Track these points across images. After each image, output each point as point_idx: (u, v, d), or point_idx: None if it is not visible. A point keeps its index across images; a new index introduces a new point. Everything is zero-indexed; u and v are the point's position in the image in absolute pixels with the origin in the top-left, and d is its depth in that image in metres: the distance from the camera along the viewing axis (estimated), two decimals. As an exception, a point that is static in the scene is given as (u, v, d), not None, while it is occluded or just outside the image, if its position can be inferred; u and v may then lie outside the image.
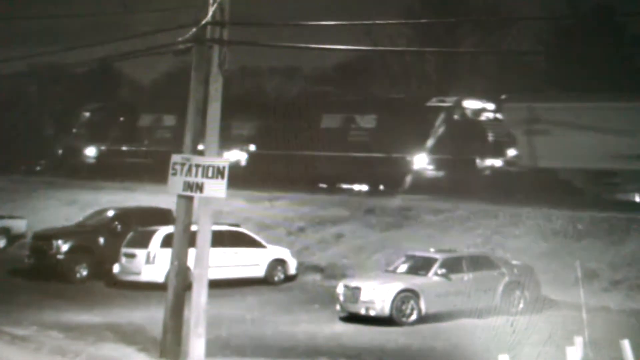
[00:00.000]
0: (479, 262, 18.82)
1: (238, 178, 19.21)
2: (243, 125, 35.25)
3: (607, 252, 20.43)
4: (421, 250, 19.87)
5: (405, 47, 46.09)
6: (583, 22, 41.72)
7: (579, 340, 11.75)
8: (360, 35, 42.97)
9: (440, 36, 44.94)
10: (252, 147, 35.35)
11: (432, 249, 19.46)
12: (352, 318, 17.11)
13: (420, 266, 18.45)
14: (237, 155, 33.54)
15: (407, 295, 17.37)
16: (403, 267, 18.77)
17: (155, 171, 25.86)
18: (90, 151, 40.51)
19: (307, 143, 32.19)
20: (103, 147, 40.82)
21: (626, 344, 11.87)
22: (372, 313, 16.94)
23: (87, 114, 41.84)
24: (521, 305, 18.14)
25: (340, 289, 17.60)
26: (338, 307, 17.56)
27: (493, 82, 42.00)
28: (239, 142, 34.96)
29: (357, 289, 17.54)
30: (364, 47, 39.34)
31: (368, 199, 26.96)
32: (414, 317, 16.97)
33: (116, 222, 23.26)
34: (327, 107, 35.05)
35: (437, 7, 46.11)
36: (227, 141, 24.31)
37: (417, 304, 17.29)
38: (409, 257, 19.21)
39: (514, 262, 19.71)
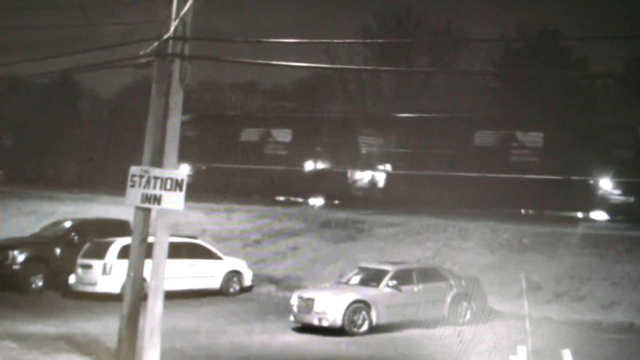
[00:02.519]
0: (428, 274, 19.05)
1: (196, 190, 19.28)
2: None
3: (550, 265, 20.84)
4: (373, 262, 20.03)
5: (362, 66, 46.74)
6: (531, 45, 42.82)
7: (522, 349, 11.99)
8: (319, 53, 43.53)
9: (395, 56, 45.57)
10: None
11: (382, 262, 19.65)
12: (306, 329, 17.09)
13: (372, 278, 18.63)
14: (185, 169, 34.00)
15: (359, 306, 17.51)
16: (356, 279, 18.93)
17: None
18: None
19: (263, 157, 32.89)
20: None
21: (567, 353, 12.14)
22: (325, 323, 16.98)
23: None
24: (468, 316, 18.48)
25: (294, 300, 17.63)
26: (292, 318, 17.56)
27: (444, 101, 42.67)
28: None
29: (311, 300, 17.65)
30: (321, 65, 39.72)
31: (323, 212, 27.12)
32: (365, 327, 17.08)
33: (73, 233, 22.95)
34: (281, 121, 35.85)
35: (393, 28, 46.82)
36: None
37: (369, 314, 17.46)
38: (362, 269, 19.34)
39: (462, 274, 20.01)
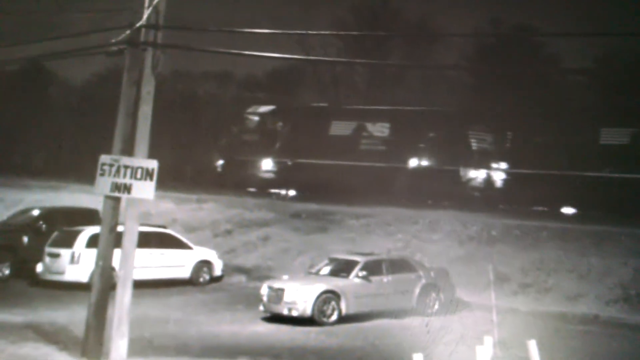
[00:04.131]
0: (398, 265, 19.23)
1: (168, 180, 19.14)
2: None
3: (518, 257, 21.11)
4: (343, 253, 20.14)
5: (336, 58, 46.78)
6: (504, 40, 43.23)
7: (488, 339, 12.12)
8: (293, 44, 43.49)
9: (369, 49, 45.71)
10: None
11: (353, 252, 19.76)
12: (275, 318, 17.17)
13: (342, 269, 18.76)
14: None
15: (329, 296, 17.61)
16: (326, 270, 19.04)
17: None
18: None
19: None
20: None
21: (533, 344, 12.30)
22: (294, 313, 17.12)
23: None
24: (436, 307, 18.72)
25: (264, 290, 17.67)
26: (262, 308, 17.62)
27: (417, 94, 42.91)
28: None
29: (281, 290, 17.72)
30: (295, 56, 39.58)
31: (295, 203, 27.15)
32: (334, 317, 17.22)
33: (41, 222, 22.79)
34: (375, 114, 33.85)
35: (368, 21, 46.99)
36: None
37: (338, 304, 17.58)
38: (332, 260, 19.45)
39: (431, 265, 20.23)
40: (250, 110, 34.95)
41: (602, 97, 36.32)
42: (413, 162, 29.97)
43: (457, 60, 44.38)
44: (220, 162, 34.15)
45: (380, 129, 31.54)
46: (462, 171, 29.42)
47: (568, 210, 27.59)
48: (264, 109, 35.27)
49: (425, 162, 30.01)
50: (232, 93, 47.48)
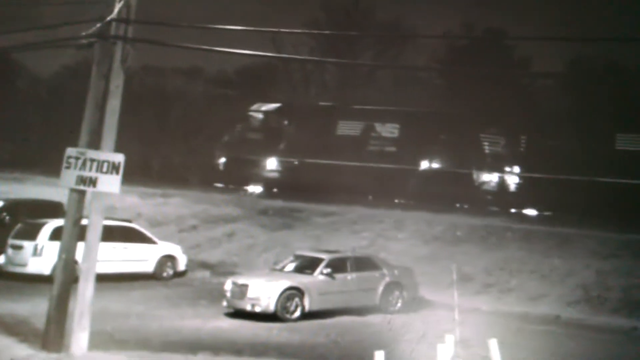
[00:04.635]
0: (362, 263, 19.32)
1: (134, 174, 18.97)
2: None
3: (482, 257, 21.33)
4: (308, 250, 20.19)
5: (307, 56, 46.88)
6: (475, 43, 43.55)
7: (450, 338, 12.21)
8: (265, 42, 43.44)
9: (341, 48, 45.81)
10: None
11: (318, 250, 19.82)
12: (238, 314, 17.14)
13: (306, 265, 18.80)
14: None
15: (293, 292, 17.62)
16: (290, 266, 19.08)
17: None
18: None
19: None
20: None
21: (494, 343, 12.40)
22: (257, 309, 17.12)
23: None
24: (399, 305, 18.89)
25: (228, 286, 17.65)
26: (225, 303, 17.59)
27: (387, 94, 43.09)
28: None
29: (245, 285, 17.68)
30: (266, 53, 39.46)
31: (262, 199, 27.16)
32: (297, 313, 17.27)
33: (4, 213, 22.50)
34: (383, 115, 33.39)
35: (340, 21, 47.08)
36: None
37: (302, 301, 17.60)
38: (297, 257, 19.48)
39: (395, 264, 20.35)
40: (254, 107, 34.90)
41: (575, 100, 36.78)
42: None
43: (428, 61, 44.70)
44: (223, 159, 33.80)
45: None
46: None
47: (532, 212, 27.95)
48: (267, 106, 35.23)
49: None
50: (202, 89, 47.33)
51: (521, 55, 45.41)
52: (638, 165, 27.28)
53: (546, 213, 27.60)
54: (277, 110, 34.52)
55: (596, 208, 24.99)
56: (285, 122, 33.78)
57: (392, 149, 31.13)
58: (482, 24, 45.25)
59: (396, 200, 27.42)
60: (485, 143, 30.57)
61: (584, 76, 36.69)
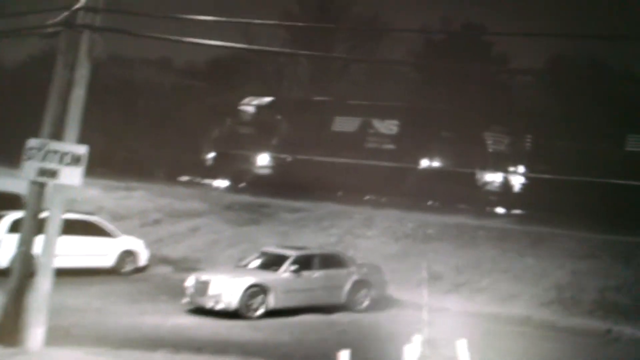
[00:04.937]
0: (329, 261, 19.28)
1: (97, 166, 18.84)
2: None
3: (453, 256, 21.36)
4: (275, 246, 20.09)
5: (280, 49, 46.71)
6: (453, 38, 43.68)
7: (417, 338, 12.19)
8: (237, 33, 43.23)
9: (315, 41, 45.75)
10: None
11: (284, 246, 19.75)
12: (200, 311, 16.93)
13: (272, 262, 18.70)
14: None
15: (257, 290, 17.50)
16: (255, 263, 18.97)
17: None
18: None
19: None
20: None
21: (462, 344, 12.40)
22: (219, 306, 17.01)
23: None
24: (366, 303, 18.94)
25: (189, 282, 17.49)
26: (186, 300, 17.36)
27: (362, 88, 43.13)
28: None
29: (207, 282, 17.53)
30: (238, 45, 39.20)
31: (228, 194, 27.03)
32: (261, 311, 17.27)
33: (-39, 206, 22.40)
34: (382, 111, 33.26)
35: (315, 13, 47.04)
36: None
37: (266, 298, 17.51)
38: (262, 253, 19.38)
39: (364, 261, 20.35)
40: (245, 101, 34.76)
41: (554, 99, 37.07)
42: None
43: (405, 56, 44.81)
44: (211, 154, 33.57)
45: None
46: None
47: (503, 210, 28.15)
48: (259, 100, 35.09)
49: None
50: (171, 80, 47.10)
51: (499, 51, 45.76)
52: (622, 164, 27.59)
53: (519, 212, 27.81)
54: (269, 104, 34.36)
55: (578, 208, 25.21)
56: (278, 117, 33.67)
57: (391, 146, 31.12)
58: (462, 19, 45.44)
59: (366, 197, 27.46)
60: (489, 141, 30.70)
61: (566, 75, 37.06)
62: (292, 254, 18.71)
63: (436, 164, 31.39)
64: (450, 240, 21.63)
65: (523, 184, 29.32)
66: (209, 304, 17.24)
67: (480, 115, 32.17)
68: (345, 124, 32.56)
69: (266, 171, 30.24)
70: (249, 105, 34.42)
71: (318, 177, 28.05)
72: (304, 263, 18.54)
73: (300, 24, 46.56)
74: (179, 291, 18.01)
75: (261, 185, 28.35)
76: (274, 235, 22.22)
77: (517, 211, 28.44)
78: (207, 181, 31.12)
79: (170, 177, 29.91)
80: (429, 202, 27.65)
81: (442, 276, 19.89)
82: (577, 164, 27.66)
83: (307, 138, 31.54)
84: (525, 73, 40.97)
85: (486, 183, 30.10)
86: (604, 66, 38.25)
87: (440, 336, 13.52)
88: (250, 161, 31.91)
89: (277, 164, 30.88)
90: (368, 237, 22.18)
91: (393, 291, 19.18)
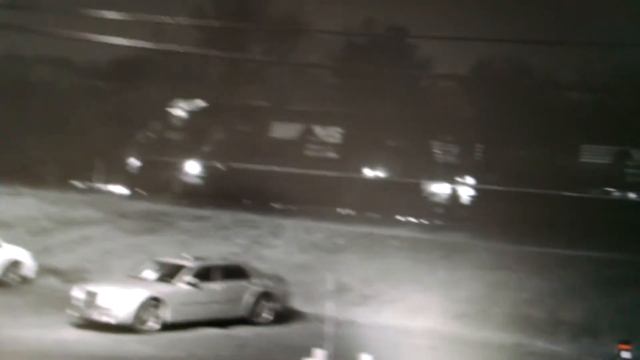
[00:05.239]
0: (231, 272, 19.24)
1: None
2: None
3: (362, 267, 21.62)
4: (172, 257, 19.92)
5: (191, 49, 46.22)
6: (375, 41, 44.20)
7: (320, 353, 12.30)
8: (144, 32, 42.63)
9: (230, 41, 45.59)
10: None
11: (184, 256, 19.62)
12: (88, 325, 16.52)
13: (168, 273, 18.51)
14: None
15: (150, 302, 17.29)
16: (150, 274, 18.76)
17: None
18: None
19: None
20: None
21: (367, 358, 12.58)
22: (110, 320, 16.82)
23: None
24: (269, 317, 19.14)
25: (76, 293, 17.12)
26: (73, 313, 16.98)
27: (277, 91, 43.27)
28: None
29: (95, 293, 17.26)
30: (143, 44, 38.65)
31: (124, 201, 26.67)
32: (155, 325, 17.15)
33: None
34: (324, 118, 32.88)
35: (232, 12, 46.91)
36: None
37: (160, 312, 17.33)
38: (158, 264, 19.16)
39: (268, 273, 20.40)
40: (174, 104, 34.27)
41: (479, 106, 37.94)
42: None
43: (323, 59, 45.08)
44: (134, 161, 32.96)
45: None
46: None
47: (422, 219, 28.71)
48: (189, 104, 34.60)
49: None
50: (69, 80, 46.25)
51: (423, 55, 46.48)
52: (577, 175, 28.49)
53: (435, 222, 28.40)
54: (201, 108, 33.97)
55: (507, 219, 25.86)
56: (211, 123, 33.34)
57: (334, 154, 31.23)
58: (385, 22, 46.12)
59: (275, 205, 27.54)
60: (437, 151, 31.16)
61: (492, 80, 38.06)
62: (190, 264, 18.59)
63: (380, 173, 31.79)
64: (360, 251, 21.88)
65: (471, 195, 29.87)
66: (98, 317, 16.98)
67: (428, 123, 32.70)
68: (284, 131, 32.50)
69: (197, 180, 29.96)
70: (179, 109, 34.07)
71: (254, 186, 27.92)
72: (204, 274, 18.43)
73: (214, 24, 46.35)
74: (66, 303, 17.51)
75: (191, 195, 28.16)
76: (173, 244, 22.02)
77: (436, 221, 28.97)
78: (103, 187, 30.69)
79: (63, 183, 29.36)
80: (339, 210, 27.95)
81: (350, 288, 20.10)
82: (524, 174, 28.38)
83: (242, 145, 31.34)
84: (449, 79, 41.85)
85: (432, 194, 30.49)
86: (528, 73, 39.44)
87: (344, 350, 13.68)
88: (179, 169, 31.58)
89: (210, 173, 30.60)
90: (274, 246, 22.23)
91: (298, 304, 19.24)
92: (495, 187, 28.95)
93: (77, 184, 30.70)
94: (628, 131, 28.75)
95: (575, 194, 28.56)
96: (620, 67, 32.81)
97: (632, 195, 29.41)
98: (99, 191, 29.81)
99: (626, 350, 14.37)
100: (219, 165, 31.01)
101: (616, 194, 29.34)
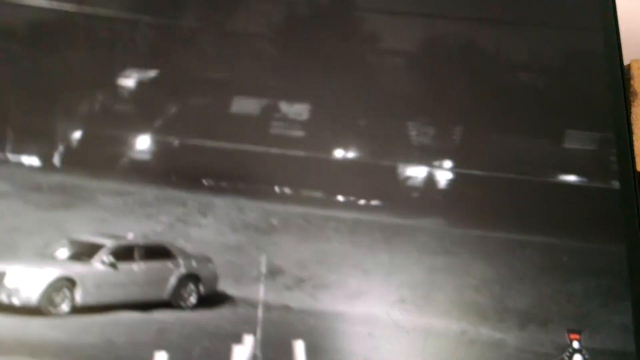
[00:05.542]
0: (153, 252, 18.76)
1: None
2: None
3: (297, 249, 21.25)
4: (87, 234, 19.36)
5: (117, 12, 45.07)
6: (318, 11, 43.43)
7: (249, 339, 12.04)
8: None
9: (161, 7, 44.42)
10: None
11: (99, 234, 19.05)
12: (-7, 308, 16.58)
13: (83, 252, 17.99)
14: None
15: (62, 283, 16.82)
16: (63, 252, 18.24)
17: None
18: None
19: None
20: None
21: (299, 345, 12.37)
22: (15, 302, 16.31)
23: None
24: (193, 300, 18.75)
25: (-19, 274, 17.03)
26: (-24, 295, 16.95)
27: (210, 61, 42.37)
28: None
29: (2, 273, 16.71)
30: (64, 5, 37.64)
31: (37, 173, 25.87)
32: (66, 308, 16.70)
33: None
34: (287, 92, 31.12)
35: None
36: None
37: (72, 293, 16.87)
38: (72, 242, 18.59)
39: (194, 253, 19.95)
40: (123, 73, 32.57)
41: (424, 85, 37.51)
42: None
43: (261, 29, 44.29)
44: (77, 135, 31.37)
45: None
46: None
47: (363, 199, 28.36)
48: (140, 74, 32.94)
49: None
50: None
51: (370, 29, 45.94)
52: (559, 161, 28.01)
53: (374, 202, 28.08)
54: (153, 79, 32.32)
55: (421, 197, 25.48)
56: (164, 95, 31.69)
57: (300, 133, 29.57)
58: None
59: (205, 182, 26.96)
60: (413, 132, 30.12)
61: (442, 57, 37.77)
62: (107, 243, 18.09)
63: (352, 154, 30.79)
64: (295, 232, 21.53)
65: (449, 180, 29.03)
66: (3, 299, 16.49)
67: (404, 102, 31.91)
68: (246, 106, 31.03)
69: (146, 156, 28.62)
70: (128, 79, 32.67)
71: (209, 164, 26.81)
72: (122, 254, 17.95)
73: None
74: (-31, 284, 17.47)
75: (136, 171, 26.84)
76: (90, 221, 21.34)
77: (374, 202, 28.61)
78: (12, 157, 29.63)
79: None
80: (276, 189, 27.48)
81: (284, 271, 19.75)
82: (504, 159, 27.76)
83: (198, 120, 29.91)
84: (396, 54, 41.62)
85: (408, 178, 29.51)
86: (477, 50, 39.22)
87: (276, 336, 13.43)
88: (126, 144, 30.25)
89: (160, 149, 29.19)
90: (202, 226, 21.69)
91: (227, 287, 18.96)
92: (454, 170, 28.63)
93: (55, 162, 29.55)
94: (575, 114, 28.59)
95: (529, 177, 28.22)
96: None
97: (580, 180, 29.38)
98: (7, 162, 28.79)
99: (577, 339, 14.39)
100: (170, 139, 30.02)
101: (573, 179, 29.18)
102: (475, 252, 16.88)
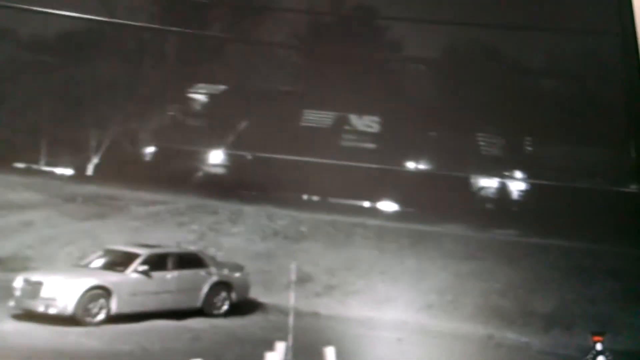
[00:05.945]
0: (186, 260, 19.12)
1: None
2: None
3: (326, 256, 21.57)
4: (122, 244, 19.76)
5: (146, 23, 45.92)
6: (343, 20, 44.03)
7: (281, 346, 12.24)
8: (96, 3, 42.12)
9: (187, 16, 45.16)
10: None
11: (134, 244, 19.49)
12: (29, 316, 16.37)
13: (118, 262, 18.35)
14: None
15: (98, 292, 17.14)
16: (98, 262, 18.58)
17: None
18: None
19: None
20: None
21: (330, 351, 12.55)
22: (52, 311, 16.62)
23: None
24: (226, 308, 19.06)
25: (17, 283, 16.95)
26: (12, 304, 16.82)
27: (237, 72, 42.94)
28: None
29: (39, 283, 17.04)
30: (94, 17, 38.32)
31: (71, 184, 26.40)
32: (101, 316, 17.00)
33: None
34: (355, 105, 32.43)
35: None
36: None
37: (108, 302, 17.20)
38: (107, 252, 18.98)
39: (225, 261, 20.32)
40: (195, 88, 33.57)
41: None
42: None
43: (287, 37, 44.86)
44: (151, 149, 32.30)
45: None
46: None
47: (389, 206, 28.62)
48: (212, 88, 33.98)
49: None
50: (7, 56, 45.54)
51: (393, 37, 46.39)
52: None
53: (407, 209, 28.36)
54: (223, 93, 33.45)
55: (445, 203, 25.93)
56: (235, 109, 32.77)
57: (371, 145, 30.94)
58: (353, 1, 45.98)
59: (236, 190, 27.34)
60: (483, 143, 30.95)
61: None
62: (142, 252, 18.44)
63: (423, 166, 31.63)
64: (323, 239, 21.83)
65: (522, 191, 29.75)
66: (41, 308, 16.77)
67: (473, 113, 32.50)
68: (316, 119, 32.16)
69: (220, 170, 29.65)
70: (199, 93, 33.62)
71: (282, 177, 27.67)
72: (156, 263, 18.29)
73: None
74: (5, 294, 17.28)
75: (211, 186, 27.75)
76: (124, 231, 21.81)
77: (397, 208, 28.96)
78: (47, 169, 30.25)
79: (4, 164, 28.86)
80: (305, 197, 27.89)
81: (313, 278, 20.05)
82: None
83: (269, 134, 30.92)
84: (417, 62, 41.87)
85: (481, 188, 30.28)
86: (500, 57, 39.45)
87: (307, 343, 13.64)
88: (200, 159, 31.29)
89: (234, 163, 30.18)
90: (233, 234, 22.10)
91: (257, 294, 19.28)
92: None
93: (19, 165, 30.20)
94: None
95: (556, 183, 28.67)
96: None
97: (600, 184, 29.50)
98: (42, 173, 29.42)
99: (600, 342, 14.53)
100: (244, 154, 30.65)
101: (593, 183, 29.44)
102: (500, 257, 17.02)
